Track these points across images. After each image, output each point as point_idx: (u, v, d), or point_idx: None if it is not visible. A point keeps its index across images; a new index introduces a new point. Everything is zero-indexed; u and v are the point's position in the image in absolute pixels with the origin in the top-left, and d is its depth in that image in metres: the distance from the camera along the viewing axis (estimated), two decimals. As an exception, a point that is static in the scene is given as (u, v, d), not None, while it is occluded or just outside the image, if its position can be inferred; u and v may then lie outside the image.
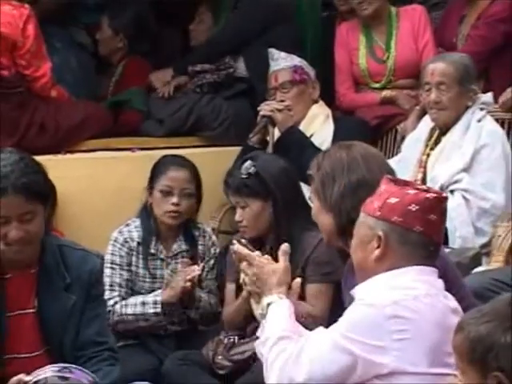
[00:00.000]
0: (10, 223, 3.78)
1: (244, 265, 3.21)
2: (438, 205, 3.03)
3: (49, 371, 3.66)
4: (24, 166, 3.81)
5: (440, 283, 3.07)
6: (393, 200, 3.03)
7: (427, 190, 3.07)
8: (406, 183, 3.13)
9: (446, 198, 3.07)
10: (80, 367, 3.67)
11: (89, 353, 3.93)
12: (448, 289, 3.06)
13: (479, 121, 5.12)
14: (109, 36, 6.35)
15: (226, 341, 4.74)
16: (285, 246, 3.25)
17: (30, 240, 3.82)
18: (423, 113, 5.37)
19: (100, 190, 5.43)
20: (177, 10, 6.64)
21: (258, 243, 4.63)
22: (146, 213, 5.04)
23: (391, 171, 3.49)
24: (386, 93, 5.84)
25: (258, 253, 3.25)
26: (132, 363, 4.46)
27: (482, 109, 5.16)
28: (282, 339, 3.02)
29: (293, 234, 4.58)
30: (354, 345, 2.90)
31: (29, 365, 3.84)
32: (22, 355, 3.91)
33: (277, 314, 3.11)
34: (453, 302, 3.04)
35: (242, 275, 3.20)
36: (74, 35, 6.38)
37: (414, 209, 3.00)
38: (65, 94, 5.79)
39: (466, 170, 5.01)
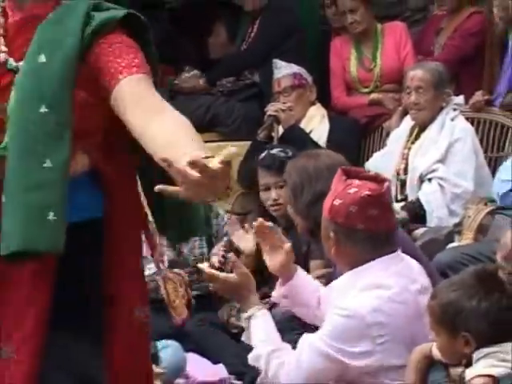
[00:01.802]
0: None
1: (209, 281, 3.15)
2: (375, 200, 2.89)
3: None
4: None
5: (406, 264, 2.99)
6: (337, 202, 2.91)
7: (370, 183, 2.91)
8: (356, 174, 2.97)
9: (383, 193, 2.92)
10: None
11: None
12: None
13: (452, 119, 5.13)
14: None
15: (238, 305, 4.77)
16: (233, 257, 3.10)
17: None
18: (405, 113, 5.39)
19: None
20: (193, 23, 6.65)
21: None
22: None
23: None
24: (373, 96, 5.85)
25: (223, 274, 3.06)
26: (158, 324, 4.45)
27: (454, 109, 5.17)
28: (274, 352, 2.96)
29: None
30: (342, 355, 2.85)
31: None
32: None
33: (258, 328, 3.01)
34: (421, 281, 2.97)
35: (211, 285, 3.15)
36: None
37: (353, 209, 2.89)
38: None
39: (441, 161, 5.02)
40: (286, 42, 5.88)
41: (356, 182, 2.91)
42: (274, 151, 4.85)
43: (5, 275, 2.32)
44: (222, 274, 3.03)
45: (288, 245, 3.16)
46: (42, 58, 2.27)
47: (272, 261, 3.15)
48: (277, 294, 3.20)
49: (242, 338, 3.16)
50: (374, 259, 2.92)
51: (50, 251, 2.23)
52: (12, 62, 2.34)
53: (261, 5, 6.04)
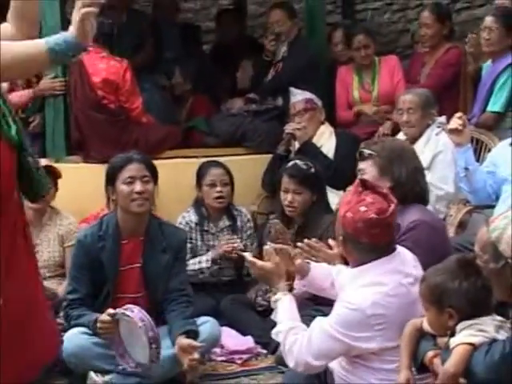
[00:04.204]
0: (135, 182, 3.94)
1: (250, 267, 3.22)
2: (379, 222, 2.89)
3: (119, 309, 3.72)
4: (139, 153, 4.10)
5: (400, 261, 2.98)
6: (349, 214, 2.92)
7: (379, 203, 2.90)
8: (372, 187, 2.97)
9: (387, 217, 2.90)
10: (140, 308, 3.69)
11: (173, 296, 4.00)
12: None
13: (436, 135, 5.12)
14: (180, 82, 6.29)
15: (263, 288, 4.77)
16: (269, 247, 3.20)
17: (147, 197, 3.98)
18: (397, 130, 5.37)
19: (176, 185, 5.44)
20: (226, 60, 6.67)
21: (288, 223, 4.68)
22: (197, 204, 5.09)
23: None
24: (356, 108, 5.91)
25: (260, 261, 3.19)
26: (198, 304, 4.46)
27: (438, 127, 5.15)
28: (291, 330, 2.99)
29: (316, 217, 4.61)
30: (347, 338, 2.87)
31: (133, 302, 3.92)
32: (129, 295, 4.00)
33: (283, 310, 3.06)
34: (414, 274, 2.96)
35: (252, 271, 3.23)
36: (157, 79, 6.39)
37: (360, 226, 2.89)
38: (151, 119, 5.80)
39: (428, 168, 4.96)
40: (305, 73, 5.85)
41: (368, 199, 2.91)
42: (300, 163, 4.82)
43: None
44: (260, 262, 3.13)
45: (298, 261, 3.27)
46: None
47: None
48: (298, 285, 3.27)
49: (272, 317, 3.18)
50: (372, 261, 2.93)
51: None
52: None
53: (288, 42, 6.03)
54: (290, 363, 2.98)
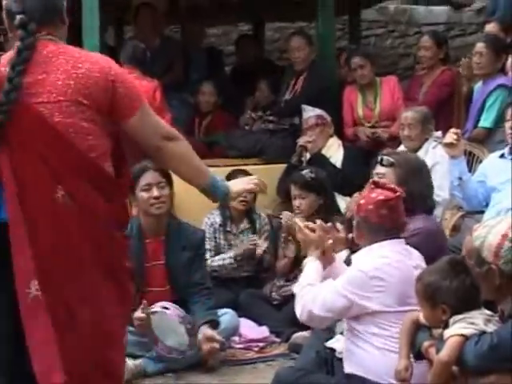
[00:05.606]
0: (152, 189, 3.95)
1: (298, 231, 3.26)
2: (385, 204, 3.01)
3: (157, 306, 3.75)
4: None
5: (405, 248, 3.08)
6: (362, 201, 3.07)
7: (387, 191, 3.03)
8: (382, 185, 3.09)
9: (392, 199, 3.02)
10: (175, 305, 3.73)
11: (195, 290, 4.03)
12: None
13: (434, 148, 5.10)
14: (215, 100, 6.27)
15: (277, 283, 4.78)
16: (321, 224, 3.26)
17: (164, 200, 3.98)
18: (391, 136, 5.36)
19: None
20: (246, 82, 6.68)
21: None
22: (223, 206, 5.10)
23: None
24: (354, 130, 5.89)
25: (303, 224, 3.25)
26: (218, 297, 4.47)
27: (435, 140, 5.14)
28: (306, 286, 3.06)
29: (327, 218, 4.60)
30: (351, 294, 2.95)
31: (158, 295, 3.95)
32: (156, 289, 4.02)
33: (307, 271, 3.15)
34: (415, 261, 3.05)
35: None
36: (183, 97, 6.40)
37: (370, 207, 3.02)
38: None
39: (426, 178, 4.99)
40: (318, 94, 5.85)
41: (379, 190, 3.04)
42: (303, 172, 4.83)
43: None
44: (306, 230, 3.19)
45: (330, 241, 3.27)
46: None
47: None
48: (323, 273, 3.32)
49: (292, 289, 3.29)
50: (382, 241, 3.03)
51: None
52: None
53: (306, 66, 6.03)
54: (297, 311, 3.07)
